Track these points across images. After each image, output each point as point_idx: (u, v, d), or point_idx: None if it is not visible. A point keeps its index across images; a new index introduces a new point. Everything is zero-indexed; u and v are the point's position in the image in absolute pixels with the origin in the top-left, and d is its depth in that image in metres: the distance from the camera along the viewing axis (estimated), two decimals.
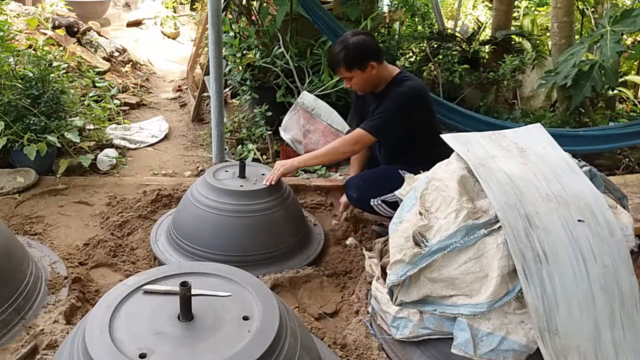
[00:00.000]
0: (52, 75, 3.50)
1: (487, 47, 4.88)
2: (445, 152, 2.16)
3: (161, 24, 7.80)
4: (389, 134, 2.48)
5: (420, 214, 1.73)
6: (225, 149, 3.48)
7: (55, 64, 3.73)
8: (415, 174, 2.09)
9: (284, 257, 2.47)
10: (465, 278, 1.62)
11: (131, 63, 5.86)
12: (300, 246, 2.58)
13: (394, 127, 2.46)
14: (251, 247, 2.40)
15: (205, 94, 4.54)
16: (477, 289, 1.61)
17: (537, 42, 4.90)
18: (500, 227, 1.61)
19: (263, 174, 2.60)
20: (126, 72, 5.63)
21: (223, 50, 3.24)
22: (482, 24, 5.64)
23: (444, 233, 1.65)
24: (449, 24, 6.43)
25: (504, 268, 1.58)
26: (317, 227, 2.81)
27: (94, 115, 3.82)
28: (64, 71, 3.78)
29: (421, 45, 4.87)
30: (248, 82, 4.11)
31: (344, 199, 2.79)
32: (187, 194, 2.55)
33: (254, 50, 4.11)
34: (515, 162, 1.83)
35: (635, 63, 4.83)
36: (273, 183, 2.48)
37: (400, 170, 2.47)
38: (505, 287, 1.59)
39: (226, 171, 2.62)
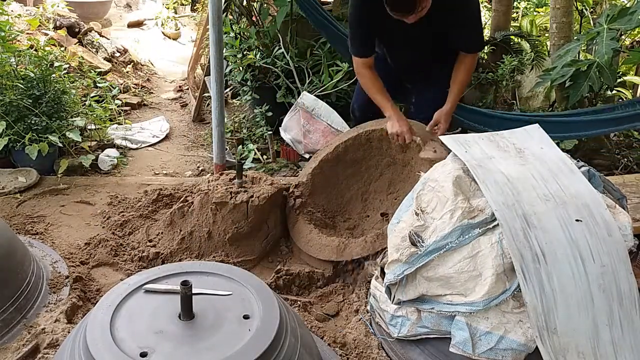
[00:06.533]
0: (53, 75, 3.51)
1: (486, 47, 4.88)
2: None
3: (162, 24, 7.79)
4: None
5: (417, 214, 1.74)
6: (226, 149, 3.49)
7: (56, 64, 3.73)
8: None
9: None
10: (459, 277, 1.63)
11: (132, 63, 5.86)
12: None
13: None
14: None
15: (206, 95, 4.55)
16: (471, 288, 1.62)
17: (536, 42, 4.89)
18: (494, 226, 1.62)
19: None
20: (127, 72, 5.63)
21: (224, 51, 3.25)
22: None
23: (440, 233, 1.65)
24: None
25: (498, 267, 1.58)
26: None
27: (95, 115, 3.83)
28: (65, 71, 3.79)
29: None
30: (248, 83, 4.11)
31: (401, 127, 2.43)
32: None
33: (255, 51, 4.11)
34: (513, 163, 1.84)
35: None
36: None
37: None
38: (502, 285, 1.59)
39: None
